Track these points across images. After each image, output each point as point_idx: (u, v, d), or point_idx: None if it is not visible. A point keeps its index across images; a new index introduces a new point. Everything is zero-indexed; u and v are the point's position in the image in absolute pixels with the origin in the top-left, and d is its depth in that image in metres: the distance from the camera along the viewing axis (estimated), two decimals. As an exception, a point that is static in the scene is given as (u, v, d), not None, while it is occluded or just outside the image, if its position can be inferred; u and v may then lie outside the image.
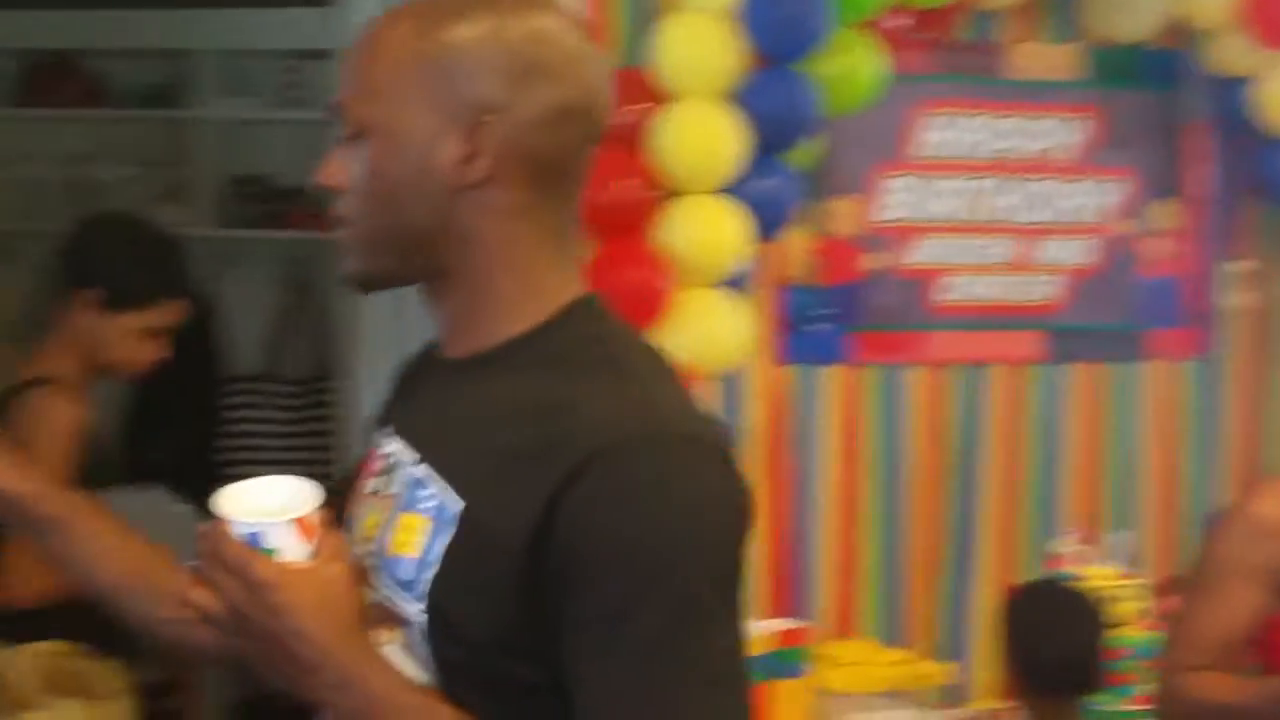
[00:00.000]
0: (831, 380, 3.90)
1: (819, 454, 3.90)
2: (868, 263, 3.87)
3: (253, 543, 1.47)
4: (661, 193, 3.37)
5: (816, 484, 3.90)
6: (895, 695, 3.70)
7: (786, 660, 3.59)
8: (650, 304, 3.35)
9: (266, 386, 5.42)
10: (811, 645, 3.67)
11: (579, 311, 1.57)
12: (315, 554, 1.49)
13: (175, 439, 5.09)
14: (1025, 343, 4.05)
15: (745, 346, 3.49)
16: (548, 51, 1.53)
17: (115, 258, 3.32)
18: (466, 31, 1.51)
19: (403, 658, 1.52)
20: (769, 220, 3.48)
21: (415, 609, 1.51)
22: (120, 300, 3.24)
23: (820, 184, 3.76)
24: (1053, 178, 4.01)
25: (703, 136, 3.35)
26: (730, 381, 3.72)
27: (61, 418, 3.15)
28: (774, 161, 3.45)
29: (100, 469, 3.17)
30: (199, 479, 5.43)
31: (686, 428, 1.49)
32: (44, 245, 3.49)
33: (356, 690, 1.47)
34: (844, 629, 3.92)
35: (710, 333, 3.43)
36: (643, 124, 3.36)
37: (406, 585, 1.52)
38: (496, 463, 1.48)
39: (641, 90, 3.38)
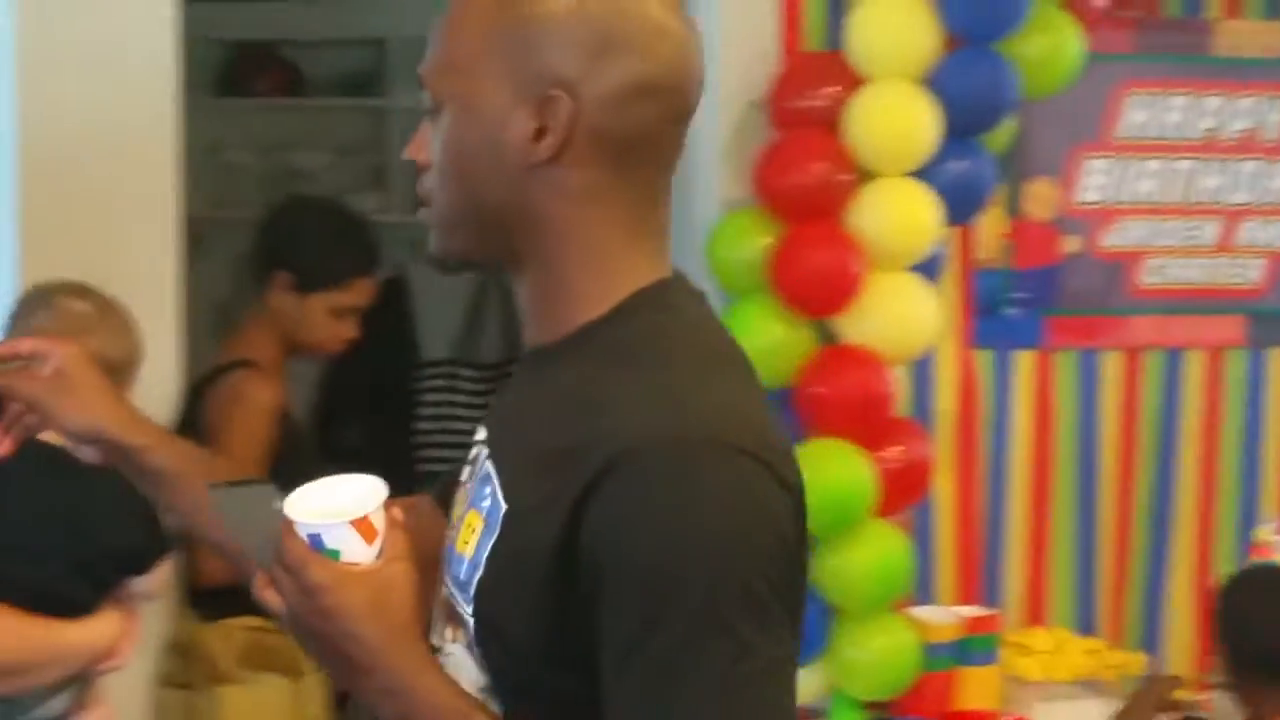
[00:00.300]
0: (1024, 365, 3.84)
1: (1011, 439, 3.83)
2: (1064, 246, 3.80)
3: (315, 544, 1.44)
4: (855, 176, 3.33)
5: (1008, 470, 3.84)
6: (1086, 684, 3.63)
7: (976, 647, 3.55)
8: (841, 288, 3.32)
9: (458, 370, 5.46)
10: (1001, 633, 3.62)
11: (646, 300, 1.48)
12: (380, 554, 1.44)
13: (368, 423, 5.15)
14: (1226, 327, 3.96)
15: (936, 331, 3.44)
16: (625, 25, 1.43)
17: (306, 240, 3.38)
18: (546, 3, 1.43)
19: (465, 658, 1.48)
20: (963, 203, 3.42)
21: (467, 611, 1.47)
22: (311, 281, 3.30)
23: (1015, 166, 3.71)
24: (1258, 158, 3.88)
25: (897, 119, 3.31)
26: (921, 366, 3.66)
27: (259, 398, 3.21)
28: (969, 144, 3.38)
29: (294, 450, 3.23)
30: (390, 463, 5.51)
31: (717, 430, 1.37)
32: (243, 232, 3.55)
33: (402, 698, 1.43)
34: (1034, 617, 3.86)
35: (901, 317, 3.38)
36: (837, 107, 3.33)
37: (462, 586, 1.48)
38: (537, 464, 1.42)
39: (836, 73, 3.35)
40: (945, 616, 3.57)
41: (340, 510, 1.44)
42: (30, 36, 3.03)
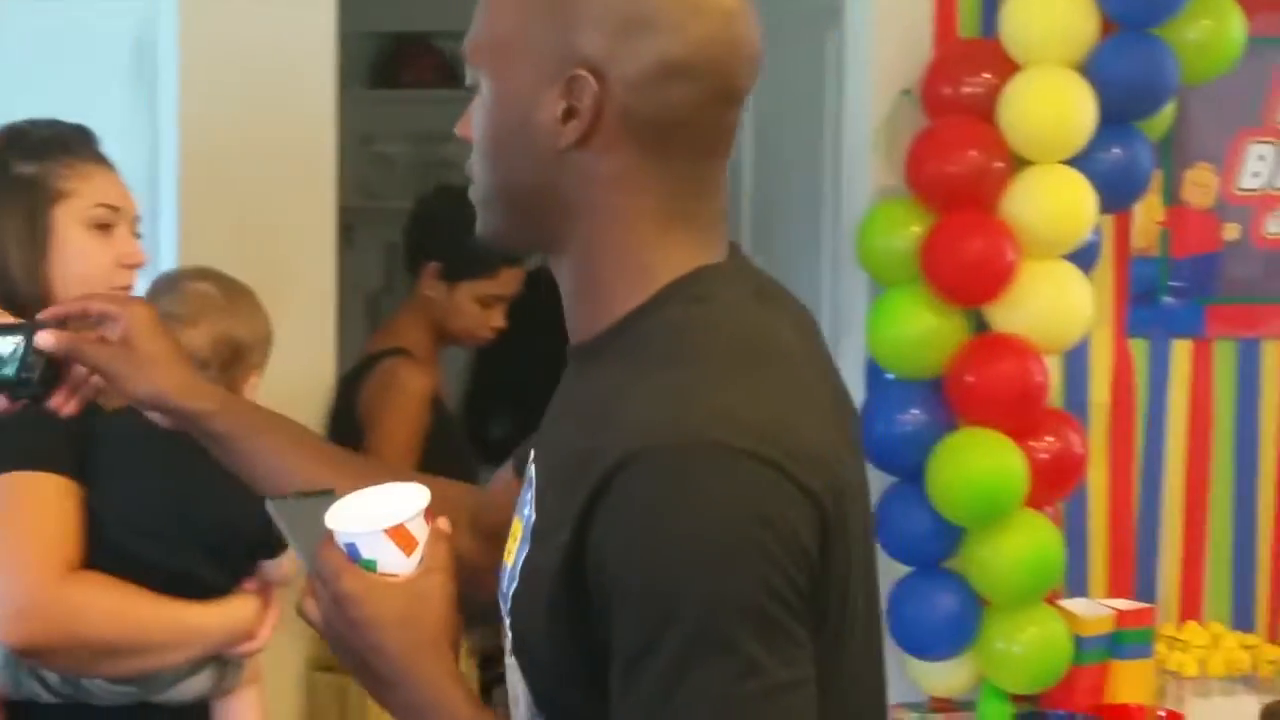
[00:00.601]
0: (1182, 354, 3.75)
1: (1167, 429, 3.75)
2: (1223, 233, 3.70)
3: (352, 553, 1.39)
4: (1010, 163, 3.27)
5: (1163, 461, 3.74)
6: (1242, 680, 3.54)
7: (1129, 641, 3.48)
8: (994, 276, 3.27)
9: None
10: (1155, 627, 3.54)
11: (677, 291, 1.37)
12: (419, 565, 1.39)
13: (517, 414, 5.14)
14: None
15: (1090, 320, 3.36)
16: (656, 2, 1.34)
17: (453, 229, 3.36)
18: None
19: (514, 671, 1.42)
20: (1119, 191, 3.36)
21: (507, 623, 1.41)
22: (459, 270, 3.31)
23: (1174, 152, 3.62)
24: None
25: (1052, 106, 3.25)
26: (1074, 356, 3.58)
27: (412, 385, 3.24)
28: (1126, 130, 3.32)
29: (446, 438, 3.24)
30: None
31: (723, 431, 1.25)
32: (393, 222, 3.57)
33: (421, 714, 1.38)
34: (1189, 611, 3.77)
35: (1054, 306, 3.32)
36: (992, 94, 3.28)
37: (504, 596, 1.42)
38: (562, 472, 1.34)
39: (991, 60, 3.30)
40: (1097, 609, 3.49)
41: (377, 519, 1.40)
42: (192, 32, 3.06)
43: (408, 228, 3.48)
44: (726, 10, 1.36)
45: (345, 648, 1.40)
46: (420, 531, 1.41)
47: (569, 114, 1.35)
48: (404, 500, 1.42)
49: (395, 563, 1.39)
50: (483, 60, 1.40)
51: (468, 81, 1.42)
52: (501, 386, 5.03)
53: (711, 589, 1.22)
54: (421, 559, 1.40)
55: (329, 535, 1.40)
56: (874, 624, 1.43)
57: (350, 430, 3.21)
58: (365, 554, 1.39)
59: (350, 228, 4.33)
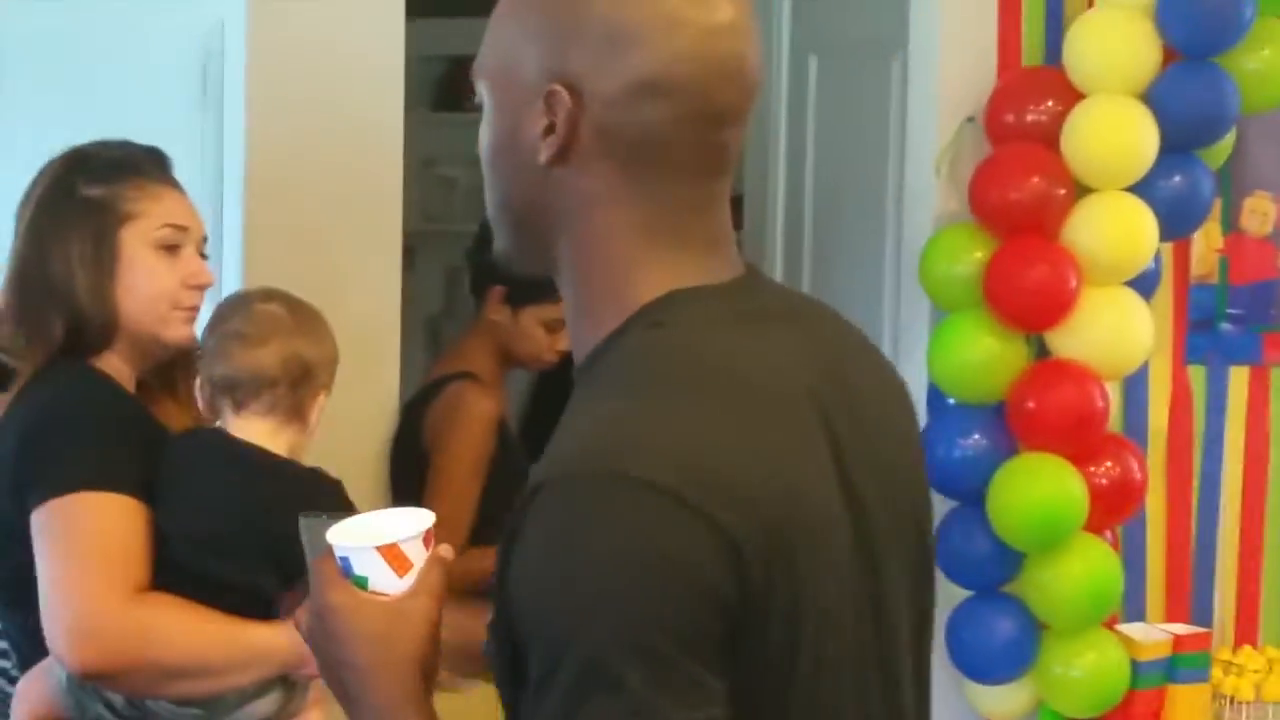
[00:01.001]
0: (1239, 380, 3.70)
1: (1224, 455, 3.69)
2: None
3: (345, 568, 1.38)
4: (1072, 190, 3.23)
5: (1220, 487, 3.66)
6: (1298, 705, 3.45)
7: (1186, 665, 3.42)
8: (1056, 302, 3.22)
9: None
10: (1212, 651, 3.44)
11: (641, 317, 1.30)
12: (411, 586, 1.37)
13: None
14: None
15: (1150, 346, 3.28)
16: (633, 17, 1.28)
17: None
18: None
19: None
20: (1180, 218, 3.32)
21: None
22: (522, 295, 3.24)
23: (1233, 180, 3.57)
24: None
25: (1114, 134, 3.21)
26: (1134, 382, 3.50)
27: (479, 409, 3.16)
28: (1187, 158, 3.28)
29: (511, 462, 3.16)
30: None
31: (630, 462, 1.17)
32: (454, 245, 3.49)
33: None
34: (1245, 635, 3.68)
35: (1115, 332, 3.27)
36: (1055, 122, 3.23)
37: None
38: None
39: (1054, 88, 3.26)
40: (1155, 634, 3.42)
41: (371, 536, 1.39)
42: (259, 52, 2.99)
43: (471, 251, 3.41)
44: (708, 28, 1.29)
45: (320, 658, 1.40)
46: (417, 554, 1.39)
47: (548, 130, 1.30)
48: (407, 522, 1.41)
49: (386, 582, 1.38)
50: (483, 78, 1.37)
51: (476, 100, 1.39)
52: (560, 409, 4.97)
53: (601, 625, 1.15)
54: (414, 581, 1.38)
55: (328, 549, 1.40)
56: (874, 662, 1.31)
57: (416, 454, 3.15)
58: (357, 570, 1.38)
59: (411, 250, 4.25)
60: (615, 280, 1.32)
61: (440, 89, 5.57)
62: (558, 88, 1.28)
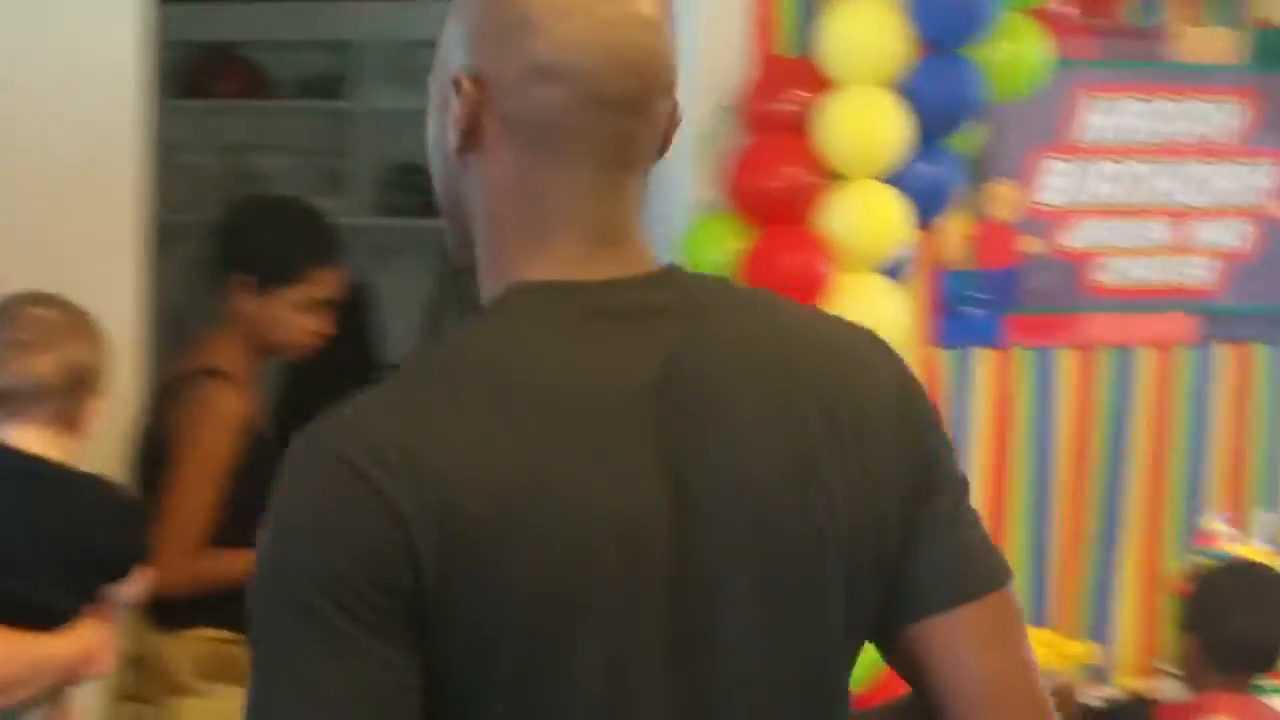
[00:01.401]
0: (985, 363, 3.73)
1: (971, 437, 3.72)
2: (1025, 246, 3.67)
3: None
4: (825, 179, 3.21)
5: (968, 466, 3.63)
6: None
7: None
8: (810, 289, 3.19)
9: (423, 376, 5.19)
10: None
11: (488, 307, 1.33)
12: None
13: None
14: (1177, 325, 3.84)
15: (904, 332, 3.25)
16: (535, 5, 1.29)
17: (258, 237, 3.15)
18: None
19: None
20: (929, 205, 3.32)
21: None
22: (273, 278, 3.07)
23: (980, 168, 3.60)
24: (1210, 161, 3.75)
25: (866, 123, 3.20)
26: (886, 366, 3.46)
27: (227, 410, 2.97)
28: (936, 147, 3.28)
29: (262, 467, 2.97)
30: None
31: (330, 434, 1.23)
32: (200, 236, 3.29)
33: None
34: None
35: (869, 318, 3.13)
36: (808, 111, 3.20)
37: None
38: None
39: (807, 78, 3.23)
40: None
41: None
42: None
43: (215, 241, 3.19)
44: (604, 16, 1.30)
45: None
46: None
47: (457, 119, 1.33)
48: None
49: None
50: (430, 79, 1.39)
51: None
52: (312, 402, 4.78)
53: (272, 585, 1.22)
54: None
55: None
56: (666, 657, 1.28)
57: (158, 453, 2.94)
58: None
59: (157, 241, 4.02)
60: (496, 270, 1.33)
61: (185, 75, 5.30)
62: (461, 76, 1.31)
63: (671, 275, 1.35)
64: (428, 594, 1.20)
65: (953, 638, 1.37)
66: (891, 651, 1.40)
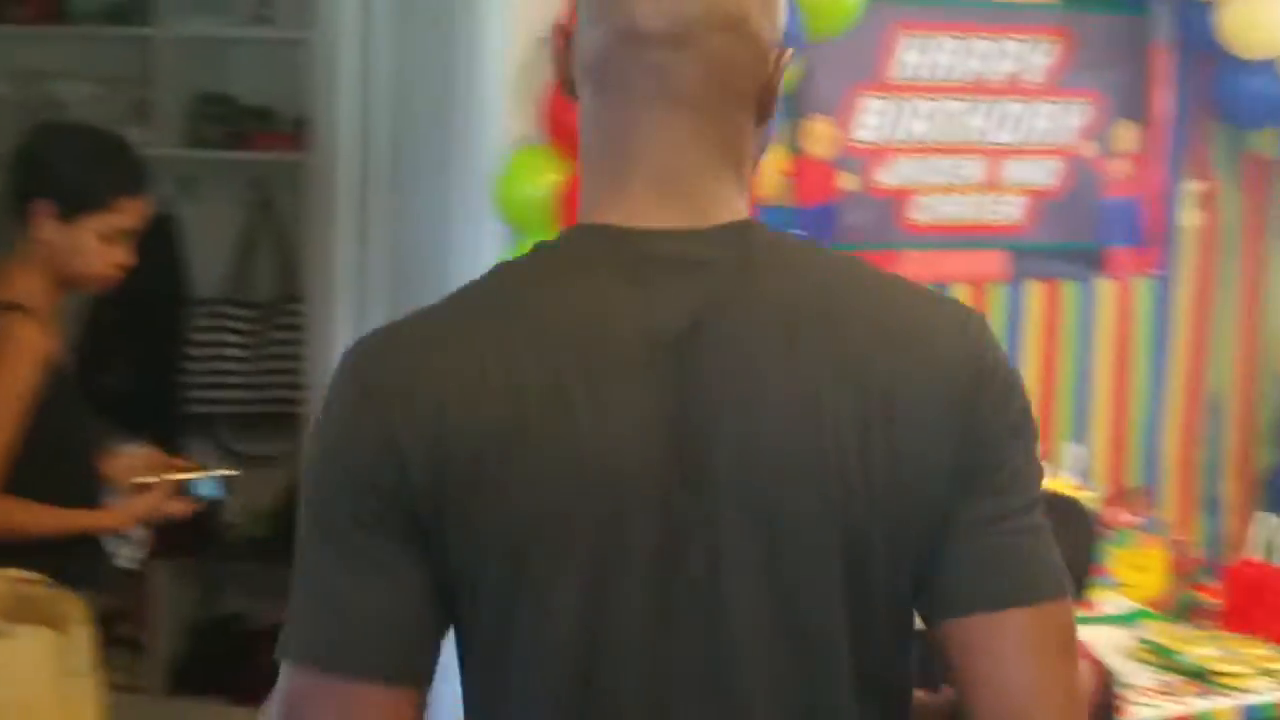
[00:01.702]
0: None
1: None
2: (842, 183, 3.63)
3: None
4: None
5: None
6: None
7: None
8: None
9: (229, 309, 5.04)
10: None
11: (546, 245, 1.42)
12: None
13: (134, 364, 4.72)
14: (990, 261, 3.84)
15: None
16: None
17: (63, 163, 2.99)
18: None
19: None
20: None
21: None
22: (75, 206, 2.93)
23: (796, 105, 3.54)
24: (1021, 99, 3.75)
25: None
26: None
27: (28, 346, 2.81)
28: None
29: (61, 399, 2.84)
30: (157, 405, 5.10)
31: (353, 358, 1.34)
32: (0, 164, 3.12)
33: None
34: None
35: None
36: None
37: None
38: None
39: None
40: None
41: None
42: None
43: (14, 169, 3.03)
44: None
45: None
46: None
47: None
48: None
49: None
50: None
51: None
52: (117, 336, 4.60)
53: (306, 492, 1.33)
54: None
55: None
56: (680, 594, 1.30)
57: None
58: None
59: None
60: (580, 212, 1.41)
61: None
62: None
63: (740, 230, 1.36)
64: (424, 520, 1.29)
65: (972, 643, 1.32)
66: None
